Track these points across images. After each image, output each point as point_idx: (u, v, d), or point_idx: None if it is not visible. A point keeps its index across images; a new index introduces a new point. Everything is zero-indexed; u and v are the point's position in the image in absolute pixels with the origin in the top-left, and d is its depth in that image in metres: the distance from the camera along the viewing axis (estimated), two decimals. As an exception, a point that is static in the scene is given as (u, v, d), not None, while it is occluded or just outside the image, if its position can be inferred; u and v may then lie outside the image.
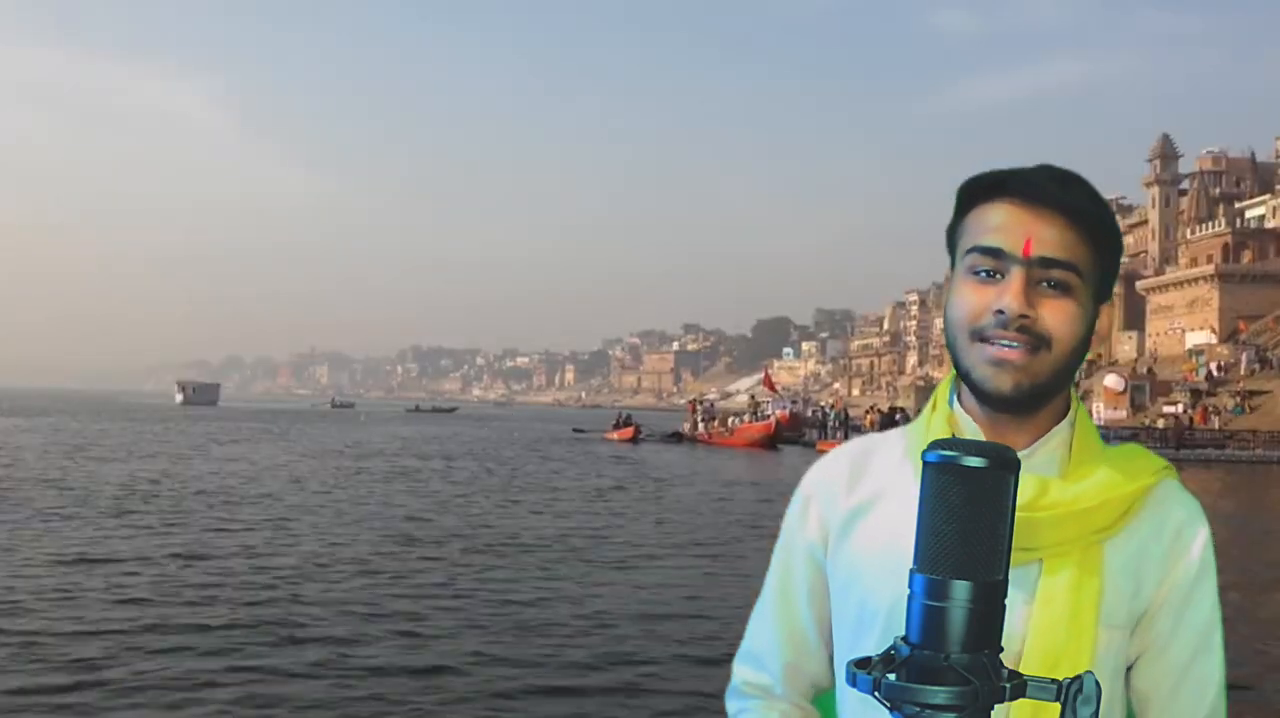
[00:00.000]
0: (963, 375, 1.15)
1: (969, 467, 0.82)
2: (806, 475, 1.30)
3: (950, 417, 1.19)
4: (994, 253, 1.11)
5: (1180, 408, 55.01)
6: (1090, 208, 1.12)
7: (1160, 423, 51.24)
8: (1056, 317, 1.10)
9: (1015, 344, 1.10)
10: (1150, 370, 65.84)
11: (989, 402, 1.14)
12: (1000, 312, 1.09)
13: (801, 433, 51.16)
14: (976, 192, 1.15)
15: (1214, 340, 69.43)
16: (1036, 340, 1.10)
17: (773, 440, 48.06)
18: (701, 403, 61.78)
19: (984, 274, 1.12)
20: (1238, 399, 52.87)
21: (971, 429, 1.17)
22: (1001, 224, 1.11)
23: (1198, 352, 67.20)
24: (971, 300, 1.12)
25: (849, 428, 51.31)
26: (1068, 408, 1.19)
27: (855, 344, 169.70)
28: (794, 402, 59.13)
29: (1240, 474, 35.15)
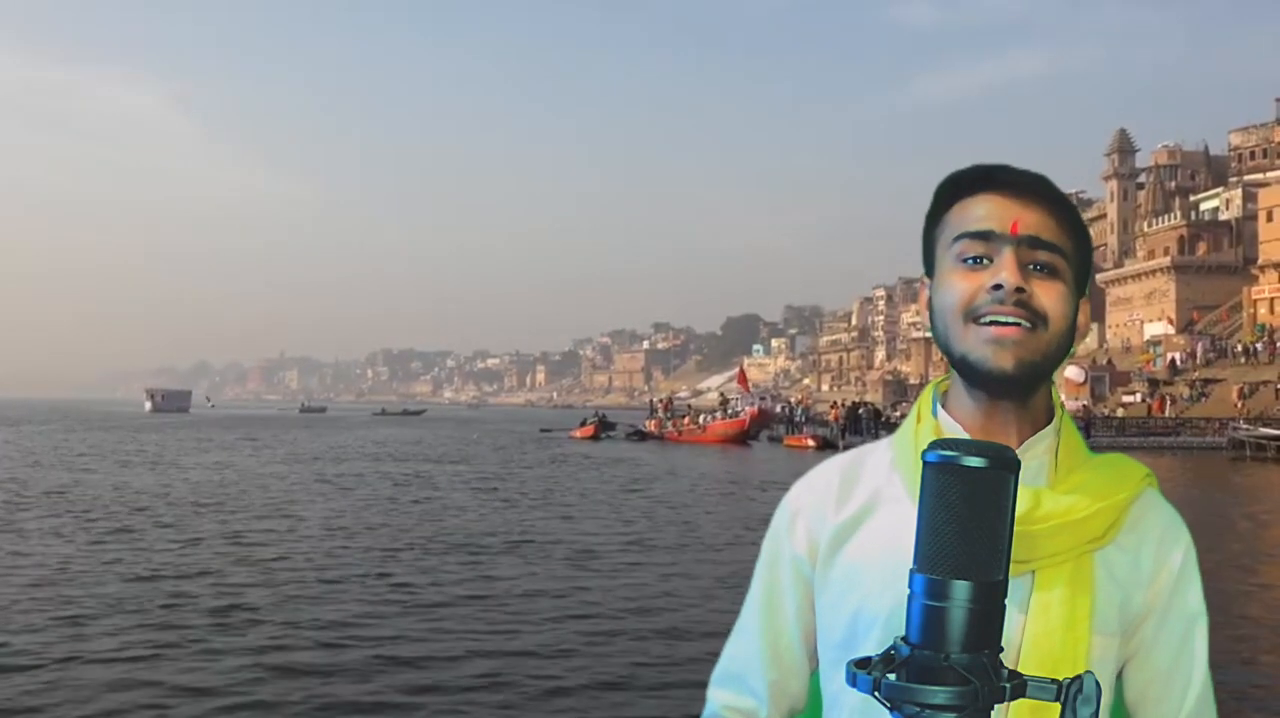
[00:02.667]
0: (958, 362, 1.14)
1: (969, 467, 0.82)
2: (793, 489, 1.29)
3: (936, 426, 1.19)
4: (983, 236, 1.12)
5: (1139, 397, 56.37)
6: (1068, 203, 1.15)
7: (1120, 412, 52.60)
8: (1049, 296, 1.12)
9: (1013, 320, 1.10)
10: (1109, 362, 67.23)
11: (989, 384, 1.13)
12: (997, 286, 1.10)
13: (766, 427, 52.00)
14: (958, 187, 1.16)
15: (1171, 331, 70.92)
16: (1033, 316, 1.11)
17: (745, 436, 48.93)
18: (664, 401, 62.82)
19: (973, 260, 1.13)
20: (1193, 388, 54.23)
21: (959, 436, 1.16)
22: (988, 212, 1.13)
23: (1155, 342, 68.71)
24: (962, 285, 1.13)
25: (815, 423, 52.36)
26: (1052, 411, 1.19)
27: (824, 340, 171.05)
28: (762, 398, 59.97)
29: (1193, 460, 36.28)
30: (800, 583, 1.24)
